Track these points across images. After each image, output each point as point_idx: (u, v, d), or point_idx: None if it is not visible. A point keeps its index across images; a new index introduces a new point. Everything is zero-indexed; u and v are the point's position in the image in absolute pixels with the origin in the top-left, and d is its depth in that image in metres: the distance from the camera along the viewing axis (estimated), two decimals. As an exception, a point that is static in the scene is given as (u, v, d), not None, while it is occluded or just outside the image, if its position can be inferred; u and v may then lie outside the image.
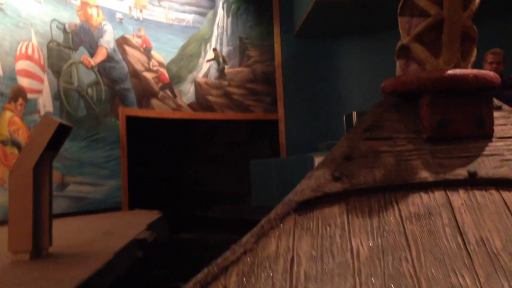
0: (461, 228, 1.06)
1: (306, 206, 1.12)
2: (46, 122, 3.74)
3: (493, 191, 1.14)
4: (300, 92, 10.21)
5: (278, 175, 9.16)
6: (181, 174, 10.57)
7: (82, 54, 7.94)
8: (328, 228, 1.08)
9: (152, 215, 7.28)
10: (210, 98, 9.53)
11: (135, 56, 8.63)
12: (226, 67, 9.78)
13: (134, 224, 6.20)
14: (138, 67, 8.67)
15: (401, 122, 1.25)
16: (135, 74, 8.64)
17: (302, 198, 1.13)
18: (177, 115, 9.13)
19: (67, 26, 7.74)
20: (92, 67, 8.02)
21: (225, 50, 9.80)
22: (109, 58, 8.29)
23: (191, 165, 10.64)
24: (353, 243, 1.05)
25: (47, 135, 3.69)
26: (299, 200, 1.12)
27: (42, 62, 7.38)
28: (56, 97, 7.56)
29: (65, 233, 5.42)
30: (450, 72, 1.20)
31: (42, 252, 3.83)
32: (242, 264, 1.06)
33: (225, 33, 9.84)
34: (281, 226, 1.10)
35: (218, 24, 9.81)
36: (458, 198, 1.12)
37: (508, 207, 1.10)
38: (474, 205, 1.11)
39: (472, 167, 1.17)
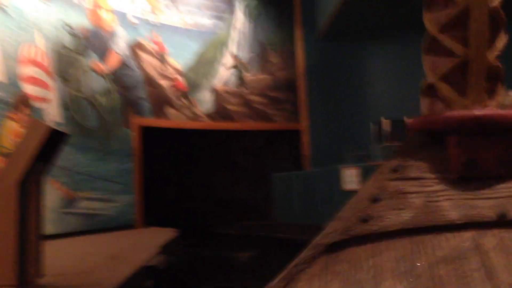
0: (492, 273, 0.99)
1: (334, 250, 1.09)
2: (34, 127, 3.01)
3: None
4: (325, 100, 9.56)
5: (302, 189, 8.41)
6: (198, 184, 9.94)
7: (93, 59, 7.27)
8: (357, 272, 1.04)
9: (167, 234, 6.63)
10: (229, 107, 8.92)
11: (150, 63, 8.00)
12: (246, 74, 9.14)
13: (147, 245, 5.59)
14: (153, 74, 8.06)
15: (428, 162, 1.20)
16: (150, 82, 8.03)
17: (330, 241, 1.10)
18: (195, 125, 8.51)
19: (77, 30, 7.07)
20: (103, 74, 7.35)
21: (245, 56, 9.19)
22: (122, 64, 7.69)
23: (208, 175, 10.01)
24: None
25: (35, 142, 2.96)
26: (327, 243, 1.10)
27: (49, 68, 6.71)
28: (65, 106, 6.87)
29: (66, 257, 4.70)
30: (477, 112, 1.15)
31: (28, 286, 3.07)
32: None
33: (245, 38, 9.24)
34: (310, 271, 1.07)
35: (237, 28, 9.20)
36: (488, 241, 1.06)
37: None
38: (504, 248, 1.05)
39: (501, 208, 1.12)
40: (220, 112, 8.83)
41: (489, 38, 1.19)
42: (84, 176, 7.00)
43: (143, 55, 8.00)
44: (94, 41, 7.44)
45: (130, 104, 7.75)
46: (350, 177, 6.88)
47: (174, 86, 8.34)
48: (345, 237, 1.11)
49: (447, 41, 1.21)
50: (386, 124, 7.88)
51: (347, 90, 9.46)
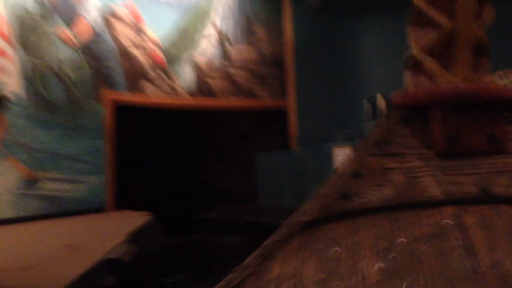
0: (473, 250, 0.99)
1: (312, 227, 1.08)
2: None
3: (506, 209, 1.08)
4: (314, 76, 8.87)
5: (290, 170, 7.84)
6: (178, 169, 9.30)
7: (59, 26, 6.50)
8: (334, 250, 1.04)
9: (140, 218, 5.97)
10: (210, 81, 8.23)
11: (125, 33, 7.33)
12: (228, 46, 8.42)
13: (115, 232, 4.89)
14: (128, 45, 7.39)
15: (411, 137, 1.19)
16: (124, 53, 7.35)
17: (308, 218, 1.09)
18: (174, 101, 7.81)
19: (39, -9, 6.27)
20: (71, 43, 6.57)
21: (227, 27, 8.49)
22: (93, 33, 6.95)
23: (190, 159, 9.37)
24: (361, 266, 1.00)
25: None
26: (304, 220, 1.09)
27: (8, 34, 5.92)
28: (26, 77, 6.12)
29: (17, 247, 3.99)
30: (462, 85, 1.15)
31: None
32: None
33: (227, 7, 8.51)
34: (285, 248, 1.05)
35: (220, -3, 8.39)
36: (470, 217, 1.07)
37: None
38: (487, 224, 1.05)
39: (484, 184, 1.11)
40: (201, 88, 8.15)
41: (476, 11, 1.16)
42: (48, 154, 6.28)
43: (117, 24, 7.26)
44: (61, 5, 6.67)
45: (101, 77, 7.03)
46: (342, 156, 6.25)
47: (151, 58, 7.61)
48: (324, 214, 1.08)
49: (433, 13, 1.19)
50: (381, 100, 7.23)
51: (338, 67, 8.84)
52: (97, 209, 6.72)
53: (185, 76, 7.99)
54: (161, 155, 9.00)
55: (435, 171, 1.13)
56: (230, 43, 8.44)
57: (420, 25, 1.22)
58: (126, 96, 7.26)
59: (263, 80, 8.67)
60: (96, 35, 7.00)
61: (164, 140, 9.00)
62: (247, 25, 8.67)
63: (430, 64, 1.19)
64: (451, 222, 1.03)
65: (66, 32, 6.67)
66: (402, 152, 1.16)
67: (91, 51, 6.92)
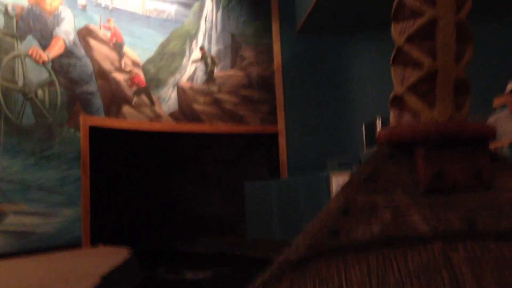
0: (461, 286, 0.95)
1: (303, 265, 1.04)
2: None
3: (492, 245, 1.05)
4: (304, 100, 8.48)
5: (280, 199, 7.29)
6: (160, 199, 8.77)
7: (30, 45, 6.03)
8: None
9: (117, 255, 5.42)
10: (196, 106, 7.82)
11: (103, 53, 6.84)
12: (215, 69, 8.06)
13: (86, 272, 4.39)
14: (106, 66, 6.92)
15: (397, 174, 1.16)
16: (102, 75, 6.86)
17: (298, 256, 1.05)
18: (156, 126, 7.36)
19: (10, 8, 5.76)
20: (44, 63, 6.13)
21: (214, 50, 8.12)
22: (68, 52, 6.52)
23: (172, 188, 8.88)
24: None
25: None
26: (295, 259, 1.04)
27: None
28: (-6, 100, 5.58)
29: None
30: (445, 123, 1.14)
31: None
32: None
33: (214, 29, 8.17)
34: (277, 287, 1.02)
35: (206, 18, 8.14)
36: (457, 253, 1.03)
37: (507, 262, 1.02)
38: (474, 260, 1.01)
39: (471, 219, 1.08)
40: (185, 112, 7.72)
41: (456, 50, 1.17)
42: (16, 184, 5.70)
43: (94, 43, 6.83)
44: (33, 22, 6.18)
45: (77, 100, 6.55)
46: (340, 184, 5.75)
47: (131, 80, 7.15)
48: (314, 252, 1.06)
49: (414, 52, 1.19)
50: (380, 124, 6.80)
51: (329, 89, 8.45)
52: (71, 245, 6.16)
53: (169, 101, 7.57)
54: (141, 182, 8.52)
55: (423, 208, 1.13)
56: (216, 65, 8.06)
57: (403, 64, 1.23)
58: (104, 121, 6.78)
59: (252, 104, 8.27)
60: (73, 56, 6.56)
61: (143, 165, 8.56)
62: (234, 46, 8.32)
63: (413, 102, 1.22)
64: (439, 260, 1.04)
65: (41, 53, 6.21)
66: (389, 188, 1.16)
67: (67, 74, 6.46)
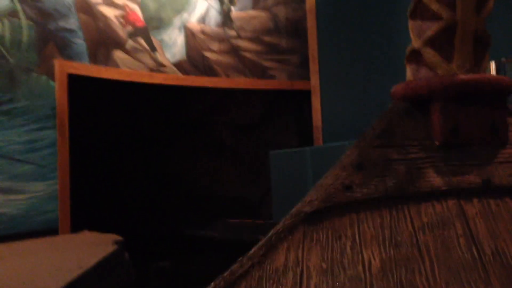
0: (475, 239, 1.07)
1: (316, 217, 1.16)
2: None
3: (508, 200, 1.17)
4: (344, 49, 7.08)
5: (315, 173, 5.95)
6: (161, 173, 7.43)
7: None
8: (338, 240, 1.11)
9: (101, 248, 4.15)
10: (208, 55, 6.47)
11: (86, -21, 5.55)
12: (233, 9, 6.72)
13: (58, 269, 3.26)
14: None
15: (412, 129, 1.28)
16: (85, 8, 5.49)
17: (311, 209, 1.16)
18: (157, 79, 5.99)
19: None
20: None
21: (231, -16, 6.79)
22: (37, -26, 5.14)
23: (176, 159, 7.58)
24: (365, 255, 1.08)
25: None
26: (308, 211, 1.16)
27: None
28: None
29: None
30: (462, 77, 1.24)
31: None
32: (250, 278, 1.09)
33: (232, -42, 6.82)
34: (290, 238, 1.12)
35: None
36: (472, 207, 1.14)
37: None
38: (488, 214, 1.13)
39: (485, 174, 1.19)
40: (195, 62, 6.37)
41: (476, 2, 1.23)
42: (-37, 150, 4.41)
43: (75, -33, 5.52)
44: None
45: (50, 39, 5.18)
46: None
47: (124, 18, 5.80)
48: (328, 205, 1.15)
49: (433, 4, 1.26)
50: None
51: (376, 36, 6.93)
52: (44, 231, 4.92)
53: (175, 47, 6.23)
54: (136, 149, 7.21)
55: (437, 162, 1.19)
56: (233, 3, 6.77)
57: (421, 17, 1.30)
58: (88, 69, 5.43)
59: (278, 54, 6.99)
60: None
61: (140, 129, 7.25)
62: (257, -15, 7.06)
63: (431, 56, 1.28)
64: (453, 212, 1.10)
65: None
66: (404, 143, 1.23)
67: (36, 3, 5.08)
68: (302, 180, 6.14)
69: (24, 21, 4.88)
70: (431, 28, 1.26)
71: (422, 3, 1.27)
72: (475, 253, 1.03)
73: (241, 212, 7.04)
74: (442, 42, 1.26)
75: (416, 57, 1.33)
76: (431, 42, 1.27)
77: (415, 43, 1.32)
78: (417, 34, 1.31)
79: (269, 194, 6.63)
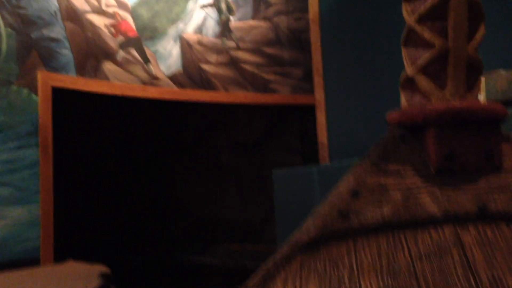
0: (472, 268, 1.07)
1: (313, 246, 1.15)
2: None
3: (504, 227, 1.17)
4: (350, 61, 6.73)
5: (323, 193, 5.44)
6: (155, 196, 7.04)
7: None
8: (336, 269, 1.10)
9: (89, 279, 3.78)
10: (206, 67, 6.11)
11: (75, -14, 5.25)
12: (232, 19, 6.39)
13: None
14: (79, 3, 5.19)
15: (408, 156, 1.29)
16: (72, 16, 5.13)
17: (308, 237, 1.17)
18: (150, 93, 5.62)
19: None
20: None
21: (231, -8, 6.51)
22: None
23: (172, 180, 7.19)
24: (362, 285, 1.07)
25: None
26: (305, 240, 1.17)
27: None
28: None
29: None
30: (456, 104, 1.26)
31: None
32: None
33: (230, -35, 6.55)
34: (287, 268, 1.12)
35: None
36: (468, 234, 1.14)
37: None
38: (485, 242, 1.13)
39: (481, 201, 1.19)
40: (191, 75, 6.00)
41: (468, 30, 1.26)
42: None
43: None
44: None
45: (32, 49, 4.81)
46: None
47: (115, 27, 5.45)
48: (324, 233, 1.16)
49: (425, 32, 1.30)
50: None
51: (384, 47, 6.52)
52: (24, 261, 4.49)
53: (170, 59, 5.88)
54: (128, 170, 6.82)
55: (433, 189, 1.20)
56: (232, 12, 6.44)
57: (414, 45, 1.32)
58: (75, 82, 5.04)
59: (280, 67, 6.64)
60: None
61: (132, 147, 6.87)
62: (258, -6, 6.82)
63: (425, 83, 1.30)
64: (450, 241, 1.09)
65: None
66: (399, 170, 1.24)
67: (17, 9, 4.71)
68: (308, 201, 5.71)
69: (3, 29, 4.51)
70: (424, 56, 1.29)
71: (414, 32, 1.29)
72: (473, 282, 1.04)
73: (242, 237, 6.67)
74: (435, 70, 1.28)
75: (410, 84, 1.35)
76: (424, 70, 1.29)
77: (409, 70, 1.34)
78: (411, 61, 1.33)
79: (272, 217, 6.24)
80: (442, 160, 1.23)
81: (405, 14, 1.34)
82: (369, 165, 1.28)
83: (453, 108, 1.22)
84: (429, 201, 1.18)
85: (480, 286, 1.03)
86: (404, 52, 1.38)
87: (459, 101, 1.27)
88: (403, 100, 1.41)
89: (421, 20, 1.29)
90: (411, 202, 1.19)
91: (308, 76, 6.79)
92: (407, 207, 1.18)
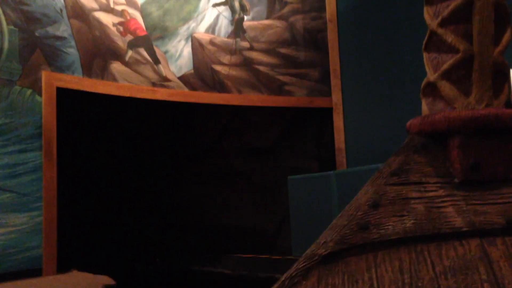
0: (500, 284, 1.02)
1: (331, 260, 1.12)
2: None
3: None
4: (369, 62, 6.58)
5: (341, 200, 5.41)
6: (164, 203, 6.89)
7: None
8: (355, 285, 1.07)
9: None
10: (218, 68, 5.99)
11: (79, -19, 5.20)
12: (245, 18, 6.28)
13: None
14: (86, 0, 5.08)
15: (430, 165, 1.26)
16: (78, 13, 5.01)
17: (325, 251, 1.13)
18: (160, 94, 5.51)
19: None
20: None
21: (245, -9, 6.52)
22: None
23: (185, 185, 7.04)
24: None
25: None
26: (322, 254, 1.13)
27: None
28: None
29: None
30: (482, 111, 1.22)
31: None
32: None
33: (244, -37, 6.56)
34: (304, 283, 1.09)
35: None
36: (496, 249, 1.10)
37: None
38: None
39: (509, 214, 1.15)
40: (203, 76, 5.89)
41: (494, 33, 1.23)
42: None
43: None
44: None
45: (36, 47, 4.70)
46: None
47: (124, 25, 5.32)
48: (343, 247, 1.13)
49: (449, 36, 1.27)
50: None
51: (405, 48, 6.36)
52: (26, 271, 4.36)
53: (181, 59, 5.77)
54: (136, 176, 6.70)
55: (457, 201, 1.17)
56: (246, 12, 6.33)
57: (436, 49, 1.29)
58: (82, 83, 4.93)
59: (296, 68, 6.49)
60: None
61: (140, 151, 6.76)
62: (274, -7, 6.84)
63: (448, 89, 1.27)
64: (476, 255, 1.06)
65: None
66: (421, 180, 1.21)
67: (20, 5, 4.58)
68: (326, 208, 5.48)
69: (5, 26, 4.40)
70: (447, 61, 1.27)
71: (437, 35, 1.28)
72: None
73: (255, 246, 6.49)
74: (459, 75, 1.26)
75: (432, 90, 1.33)
76: (448, 75, 1.28)
77: (431, 76, 1.32)
78: (433, 66, 1.31)
79: (286, 226, 6.07)
80: (467, 170, 1.18)
81: (427, 17, 1.30)
82: (389, 175, 1.24)
83: (480, 116, 1.18)
84: (454, 213, 1.14)
85: None
86: (425, 57, 1.34)
87: (485, 108, 1.23)
88: (424, 106, 1.36)
89: (444, 23, 1.26)
90: (434, 214, 1.15)
91: (325, 78, 6.65)
92: (431, 219, 1.14)
